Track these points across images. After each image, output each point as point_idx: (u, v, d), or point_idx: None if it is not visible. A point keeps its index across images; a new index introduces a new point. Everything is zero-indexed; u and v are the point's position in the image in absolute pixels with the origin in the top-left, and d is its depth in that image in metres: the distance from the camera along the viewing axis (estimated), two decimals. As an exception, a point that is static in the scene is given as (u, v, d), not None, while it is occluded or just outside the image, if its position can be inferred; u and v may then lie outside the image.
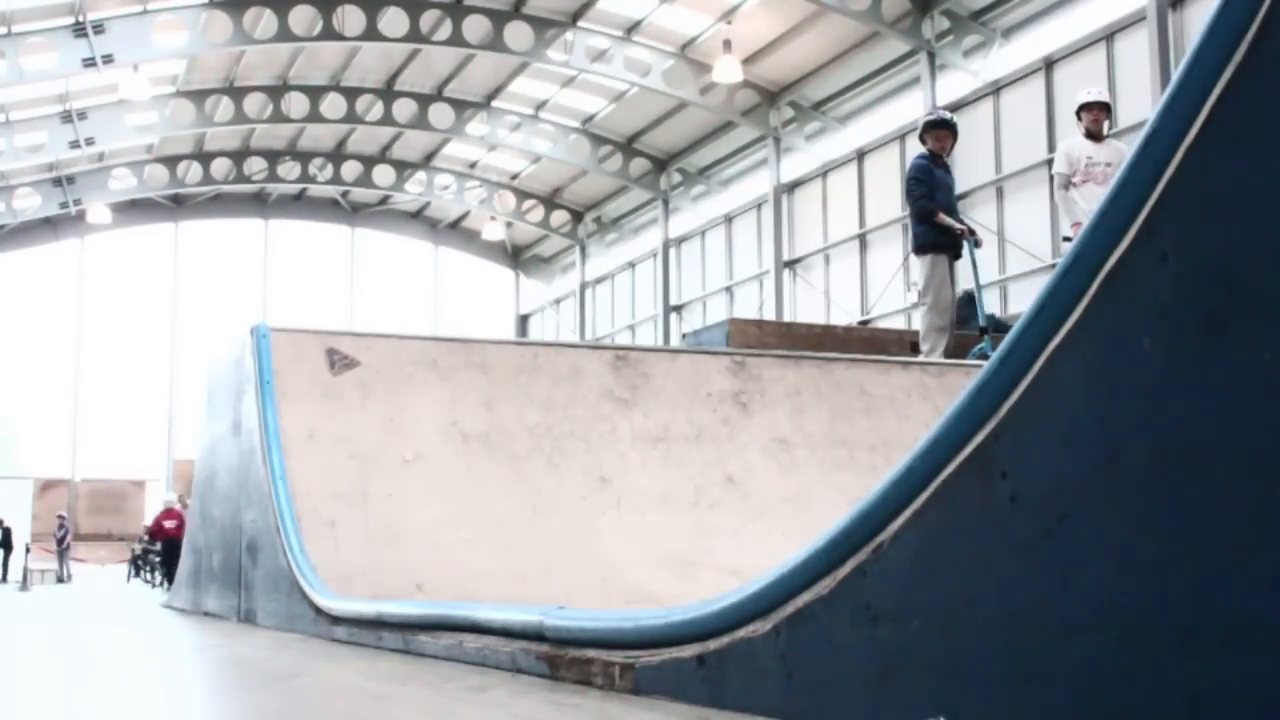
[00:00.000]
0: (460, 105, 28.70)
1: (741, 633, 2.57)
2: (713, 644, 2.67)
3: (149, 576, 25.61)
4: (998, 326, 9.80)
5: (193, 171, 32.21)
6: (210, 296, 34.34)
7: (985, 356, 8.65)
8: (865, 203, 24.18)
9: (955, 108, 19.67)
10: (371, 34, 24.28)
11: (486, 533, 6.16)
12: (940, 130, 9.45)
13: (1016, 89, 20.36)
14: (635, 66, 25.23)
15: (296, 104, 28.34)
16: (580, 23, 24.63)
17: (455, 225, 37.15)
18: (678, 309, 30.60)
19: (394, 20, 24.23)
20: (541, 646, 3.45)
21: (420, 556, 5.93)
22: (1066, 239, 9.63)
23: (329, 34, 24.05)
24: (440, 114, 28.73)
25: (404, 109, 28.70)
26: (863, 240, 24.26)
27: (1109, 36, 18.48)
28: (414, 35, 24.48)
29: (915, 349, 9.53)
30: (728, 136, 27.80)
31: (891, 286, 22.90)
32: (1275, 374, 1.57)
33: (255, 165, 32.66)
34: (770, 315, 25.39)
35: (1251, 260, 1.62)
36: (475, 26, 24.56)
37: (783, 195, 26.41)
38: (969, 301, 9.98)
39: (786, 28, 23.37)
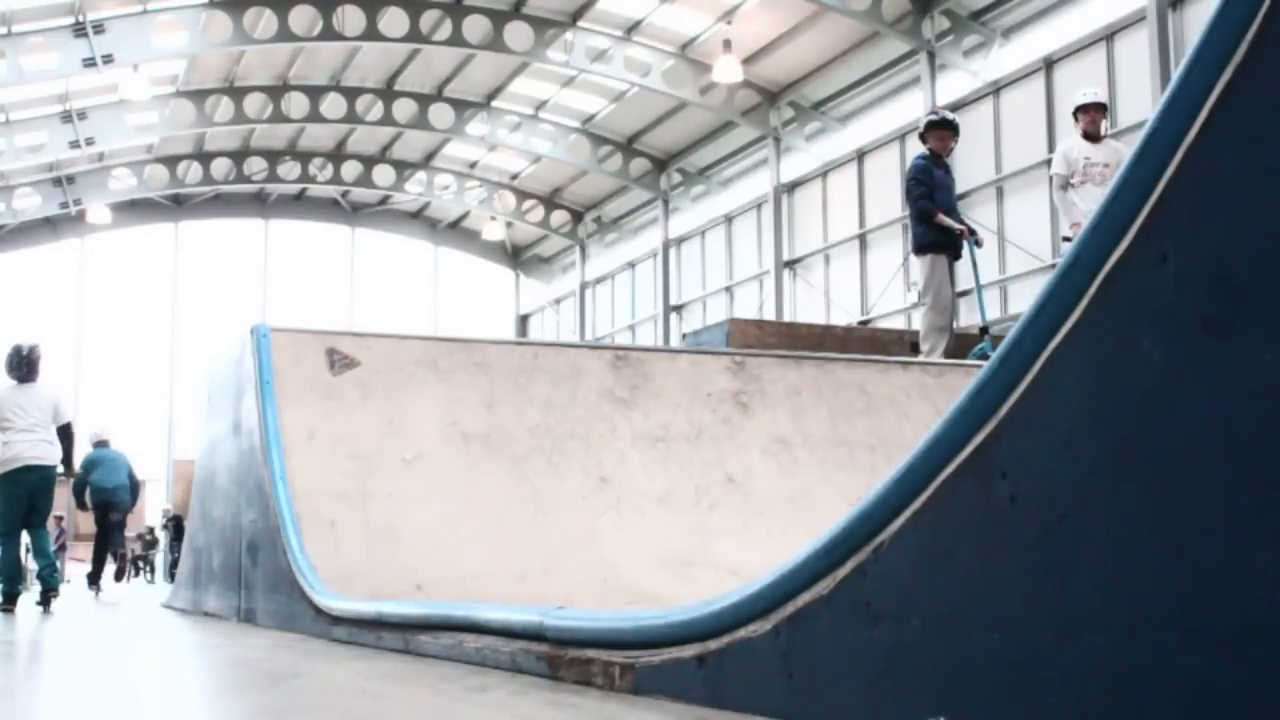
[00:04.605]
0: (460, 105, 28.70)
1: (741, 633, 2.57)
2: (713, 644, 2.67)
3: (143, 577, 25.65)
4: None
5: (193, 171, 32.22)
6: (210, 296, 34.33)
7: (985, 356, 8.65)
8: (865, 203, 24.18)
9: (955, 108, 19.67)
10: (371, 34, 24.28)
11: (486, 533, 6.16)
12: (942, 130, 9.46)
13: (1016, 89, 20.36)
14: (635, 66, 25.23)
15: (296, 104, 28.34)
16: (580, 23, 24.63)
17: (455, 225, 37.15)
18: (678, 309, 30.61)
19: (394, 20, 24.23)
20: (541, 646, 3.45)
21: (420, 556, 5.93)
22: (1066, 239, 9.64)
23: (329, 34, 24.05)
24: (440, 114, 28.73)
25: (404, 109, 28.70)
26: (863, 240, 24.26)
27: (1109, 36, 18.49)
28: (414, 35, 24.48)
29: (915, 349, 9.53)
30: (728, 136, 27.80)
31: (891, 286, 22.90)
32: (1275, 374, 1.57)
33: (255, 165, 32.66)
34: (770, 315, 25.39)
35: (1251, 260, 1.62)
36: (475, 26, 24.56)
37: (783, 195, 26.41)
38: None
39: (786, 28, 23.37)
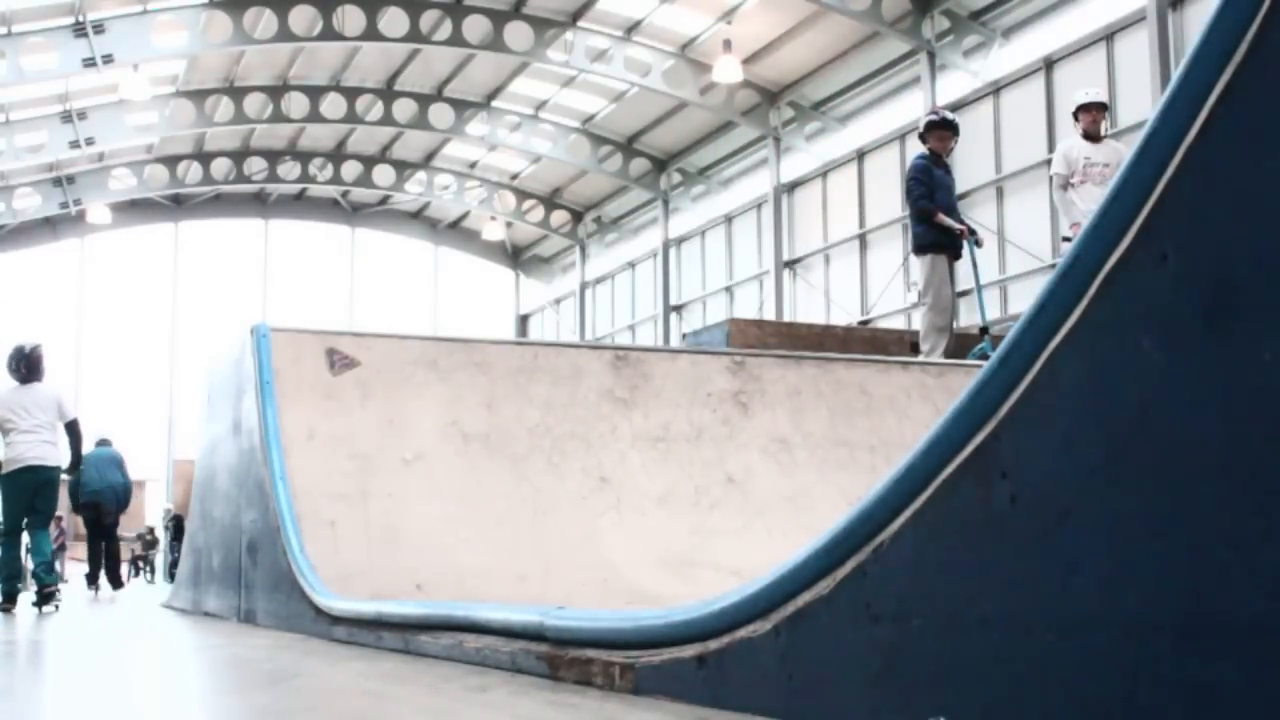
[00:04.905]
0: (460, 105, 28.71)
1: (741, 633, 2.57)
2: (713, 644, 2.67)
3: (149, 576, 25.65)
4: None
5: (193, 171, 32.22)
6: (210, 296, 34.33)
7: (985, 356, 8.65)
8: (865, 203, 24.18)
9: (955, 108, 19.68)
10: (371, 34, 24.28)
11: (486, 533, 6.16)
12: (942, 130, 9.46)
13: (1016, 89, 20.36)
14: (635, 66, 25.23)
15: (296, 104, 28.34)
16: (580, 23, 24.63)
17: (455, 225, 37.15)
18: (678, 309, 30.61)
19: (394, 20, 24.23)
20: (541, 646, 3.45)
21: (420, 556, 5.93)
22: (1066, 239, 9.64)
23: (329, 34, 24.05)
24: (440, 114, 28.73)
25: (404, 109, 28.70)
26: (863, 240, 24.26)
27: (1109, 36, 18.49)
28: (414, 35, 24.48)
29: (915, 349, 9.53)
30: (728, 136, 27.80)
31: (891, 286, 22.90)
32: (1275, 374, 1.57)
33: (255, 165, 32.66)
34: (770, 315, 25.39)
35: (1251, 260, 1.62)
36: (475, 26, 24.56)
37: (783, 195, 26.41)
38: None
39: (786, 28, 23.37)
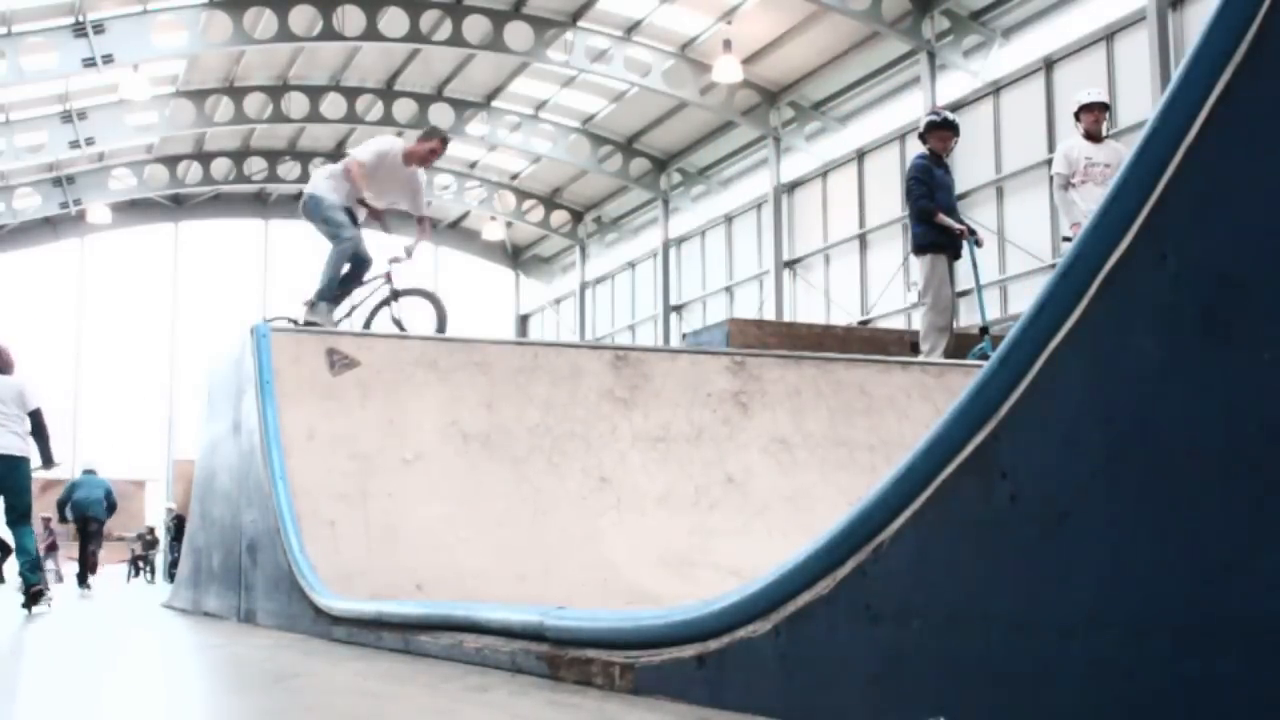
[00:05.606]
0: (460, 105, 28.70)
1: (741, 633, 2.57)
2: (713, 644, 2.67)
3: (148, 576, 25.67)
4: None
5: (193, 171, 32.22)
6: (210, 296, 34.33)
7: (985, 356, 8.65)
8: (865, 203, 24.18)
9: (955, 108, 19.68)
10: (371, 34, 24.28)
11: (486, 533, 6.16)
12: (943, 131, 9.46)
13: (1016, 89, 20.37)
14: (635, 66, 25.23)
15: (296, 104, 28.34)
16: (580, 23, 24.63)
17: (455, 225, 37.14)
18: (678, 309, 30.61)
19: (394, 20, 24.24)
20: (541, 646, 3.45)
21: (420, 556, 5.93)
22: (1066, 239, 9.64)
23: (329, 34, 24.05)
24: (440, 114, 28.73)
25: (404, 109, 28.70)
26: (863, 240, 24.26)
27: (1109, 36, 18.49)
28: (414, 35, 24.49)
29: (915, 349, 9.53)
30: (728, 136, 27.80)
31: (891, 286, 22.91)
32: (1275, 374, 1.57)
33: (255, 165, 32.66)
34: (770, 315, 25.39)
35: (1251, 260, 1.62)
36: (475, 26, 24.56)
37: (783, 195, 26.41)
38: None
39: (786, 28, 23.37)
